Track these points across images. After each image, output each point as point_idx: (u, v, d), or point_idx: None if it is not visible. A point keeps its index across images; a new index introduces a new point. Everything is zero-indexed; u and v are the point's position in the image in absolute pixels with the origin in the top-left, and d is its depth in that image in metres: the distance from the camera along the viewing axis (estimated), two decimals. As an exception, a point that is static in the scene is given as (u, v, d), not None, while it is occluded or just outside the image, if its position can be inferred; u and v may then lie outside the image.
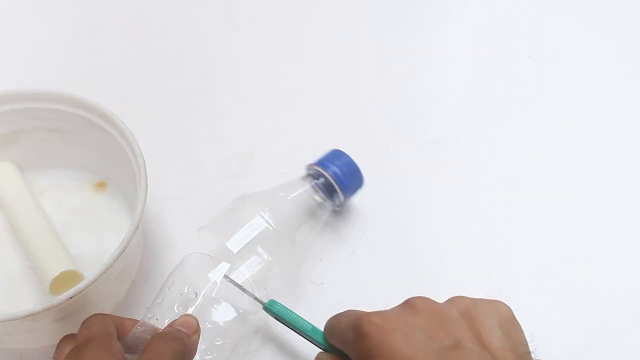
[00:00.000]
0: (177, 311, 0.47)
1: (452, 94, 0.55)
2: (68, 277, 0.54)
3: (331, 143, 0.59)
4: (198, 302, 0.48)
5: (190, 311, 0.47)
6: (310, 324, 0.51)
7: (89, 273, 0.49)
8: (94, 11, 0.79)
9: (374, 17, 0.77)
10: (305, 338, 0.52)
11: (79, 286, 0.47)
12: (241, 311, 0.51)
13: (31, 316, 0.46)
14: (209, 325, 0.49)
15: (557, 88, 0.64)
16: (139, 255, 0.59)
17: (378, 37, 0.77)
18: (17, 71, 0.72)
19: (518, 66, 0.65)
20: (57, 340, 0.53)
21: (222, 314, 0.49)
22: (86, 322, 0.45)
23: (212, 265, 0.50)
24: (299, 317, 0.52)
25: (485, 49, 0.67)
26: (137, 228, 0.51)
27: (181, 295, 0.48)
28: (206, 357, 0.49)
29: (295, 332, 0.52)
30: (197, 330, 0.45)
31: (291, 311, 0.52)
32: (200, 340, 0.46)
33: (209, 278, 0.49)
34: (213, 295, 0.49)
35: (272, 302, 0.52)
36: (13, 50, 0.74)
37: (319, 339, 0.50)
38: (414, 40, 0.73)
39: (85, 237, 0.60)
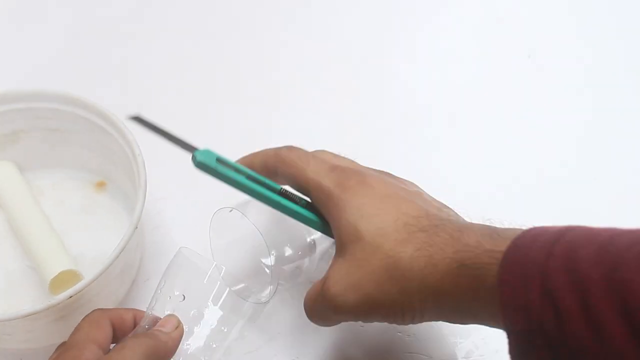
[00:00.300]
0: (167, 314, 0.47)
1: (451, 95, 0.55)
2: (67, 277, 0.54)
3: (331, 143, 0.59)
4: (186, 304, 0.48)
5: (177, 314, 0.47)
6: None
7: (88, 273, 0.49)
8: (94, 11, 0.79)
9: (373, 17, 0.77)
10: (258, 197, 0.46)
11: (78, 286, 0.48)
12: (233, 306, 0.50)
13: (30, 315, 0.46)
14: (198, 329, 0.48)
15: (557, 88, 0.63)
16: (139, 255, 0.59)
17: (377, 37, 0.77)
18: (17, 71, 0.72)
19: (518, 66, 0.64)
20: (57, 340, 0.54)
21: (212, 315, 0.49)
22: (79, 324, 0.45)
23: (200, 265, 0.49)
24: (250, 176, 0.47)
25: (484, 49, 0.66)
26: (136, 228, 0.51)
27: (170, 298, 0.48)
28: (213, 345, 0.49)
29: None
30: (177, 326, 0.45)
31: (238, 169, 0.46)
32: (199, 340, 0.47)
33: (199, 279, 0.49)
34: (202, 296, 0.49)
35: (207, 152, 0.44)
36: (13, 50, 0.74)
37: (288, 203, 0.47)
38: (413, 40, 0.73)
39: (85, 236, 0.60)
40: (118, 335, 0.46)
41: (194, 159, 0.44)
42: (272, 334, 0.56)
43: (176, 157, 0.66)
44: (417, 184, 0.51)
